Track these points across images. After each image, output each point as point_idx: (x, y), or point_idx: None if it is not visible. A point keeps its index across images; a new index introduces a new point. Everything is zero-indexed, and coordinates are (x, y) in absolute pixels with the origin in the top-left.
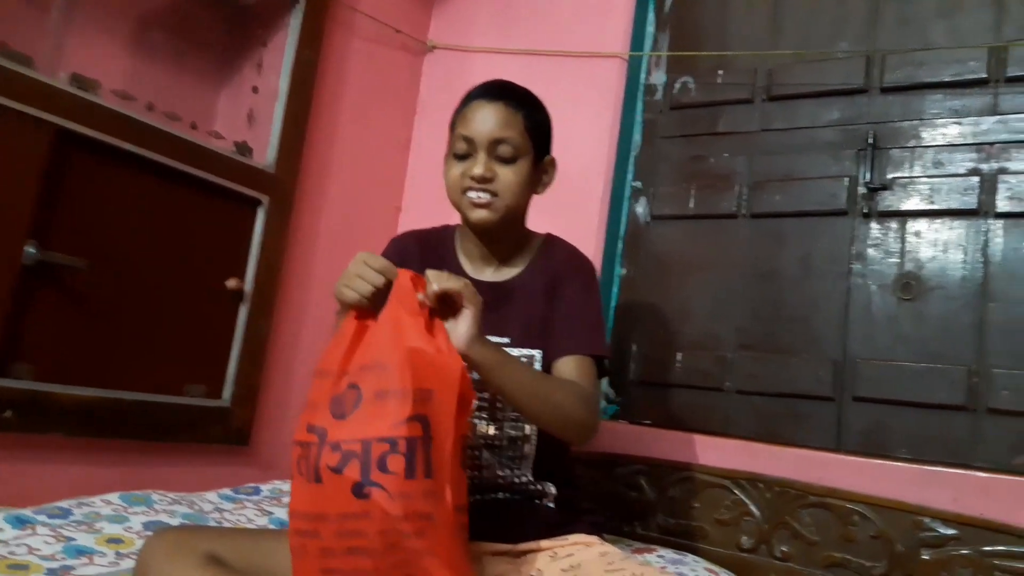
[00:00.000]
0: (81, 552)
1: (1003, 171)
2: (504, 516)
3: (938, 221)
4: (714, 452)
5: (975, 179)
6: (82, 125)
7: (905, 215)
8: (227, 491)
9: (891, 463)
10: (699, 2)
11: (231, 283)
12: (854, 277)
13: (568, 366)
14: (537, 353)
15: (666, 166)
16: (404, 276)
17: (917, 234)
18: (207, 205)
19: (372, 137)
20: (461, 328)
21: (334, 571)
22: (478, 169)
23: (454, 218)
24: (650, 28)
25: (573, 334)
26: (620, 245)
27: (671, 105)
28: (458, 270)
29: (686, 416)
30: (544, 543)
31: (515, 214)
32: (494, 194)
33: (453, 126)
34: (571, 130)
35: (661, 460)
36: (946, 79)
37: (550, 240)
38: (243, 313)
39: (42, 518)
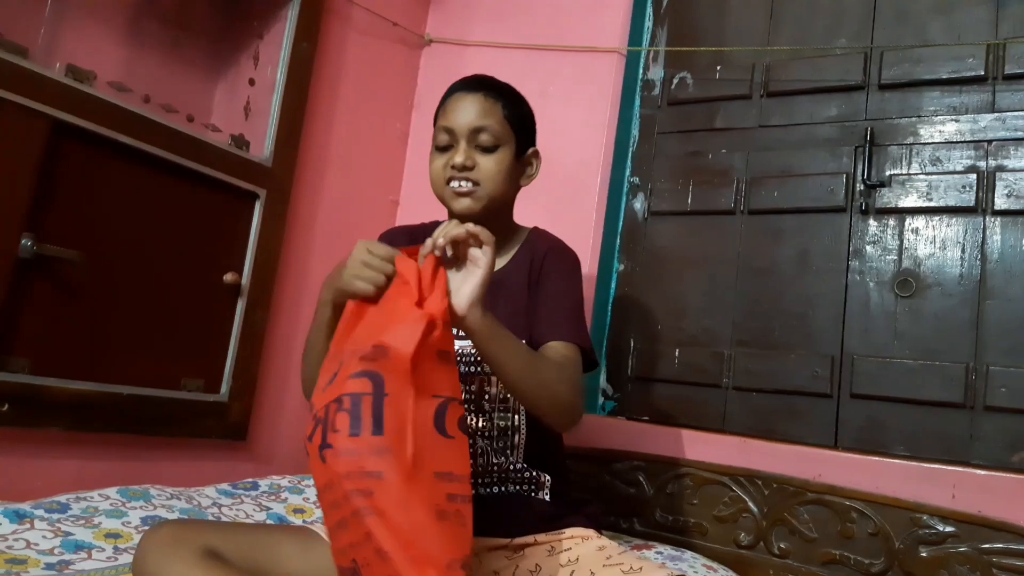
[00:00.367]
0: (79, 547)
1: (1001, 168)
2: (500, 510)
3: (936, 218)
4: (712, 448)
5: (973, 176)
6: (78, 117)
7: (903, 212)
8: (225, 486)
9: (889, 460)
10: None
11: (228, 277)
12: (852, 274)
13: (554, 350)
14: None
15: (664, 162)
16: (401, 263)
17: (915, 231)
18: (204, 198)
19: (369, 130)
20: (465, 289)
21: (340, 549)
22: (459, 158)
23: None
24: (648, 23)
25: (557, 320)
26: (618, 241)
27: (669, 100)
28: None
29: (684, 412)
30: (540, 537)
31: (499, 204)
32: (476, 183)
33: (435, 120)
34: (568, 125)
35: (659, 456)
36: (944, 76)
37: (536, 233)
38: (240, 307)
39: (40, 512)
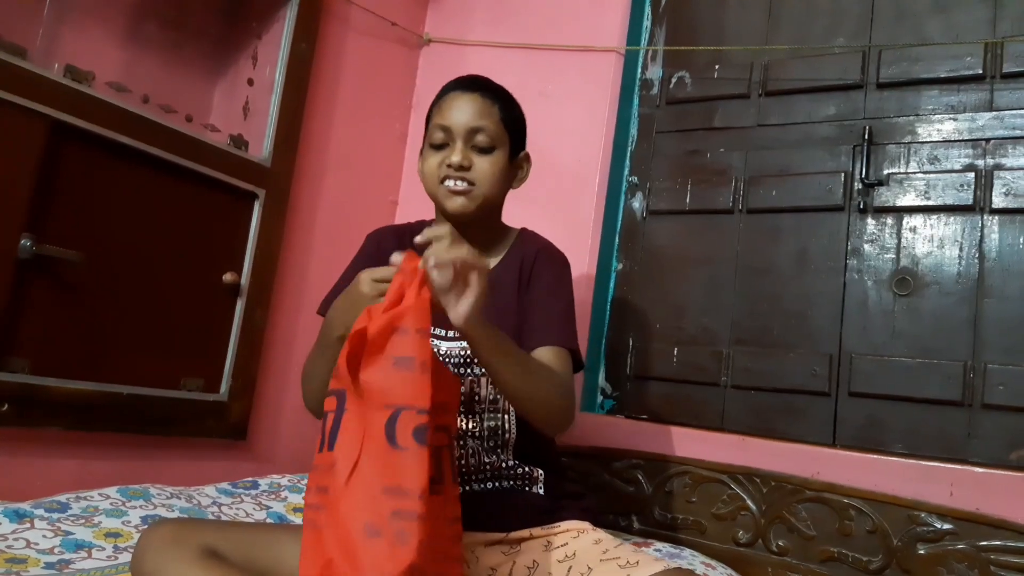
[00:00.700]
0: (79, 546)
1: (999, 167)
2: (495, 505)
3: (934, 217)
4: (710, 447)
5: (971, 175)
6: (77, 117)
7: (901, 211)
8: (225, 485)
9: (887, 458)
10: None
11: (228, 277)
12: (850, 272)
13: (545, 356)
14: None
15: (662, 161)
16: (395, 282)
17: (913, 230)
18: (203, 198)
19: (368, 130)
20: (463, 306)
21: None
22: (456, 157)
23: None
24: (646, 22)
25: (549, 324)
26: (616, 240)
27: (667, 100)
28: None
29: (682, 411)
30: (536, 531)
31: (491, 205)
32: (471, 183)
33: (429, 118)
34: (567, 124)
35: (657, 455)
36: (942, 75)
37: (524, 234)
38: (240, 307)
39: (40, 512)
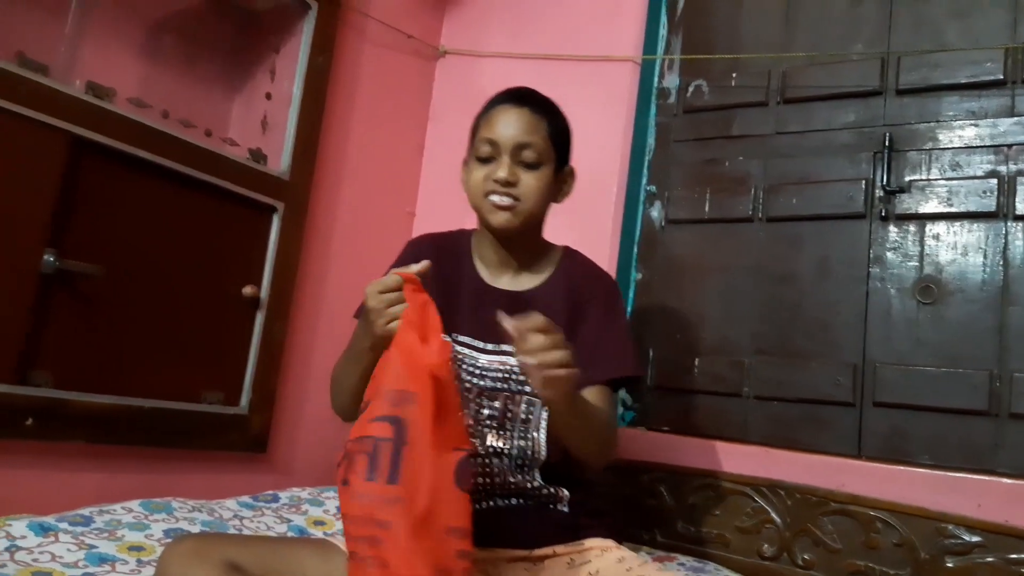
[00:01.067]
0: (103, 559)
1: (1021, 173)
2: (518, 521)
3: (957, 224)
4: (733, 459)
5: (993, 181)
6: (98, 133)
7: (923, 218)
8: (246, 498)
9: (914, 469)
10: (711, 5)
11: (247, 290)
12: (873, 281)
13: (592, 395)
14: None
15: (680, 170)
16: (409, 283)
17: (936, 237)
18: (223, 212)
19: (385, 142)
20: (557, 390)
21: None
22: (502, 172)
23: (467, 223)
24: (662, 31)
25: (597, 362)
26: (635, 249)
27: (684, 108)
28: (473, 275)
29: (704, 422)
30: (560, 548)
31: (535, 221)
32: (516, 198)
33: (476, 130)
34: (584, 134)
35: (680, 467)
36: (962, 81)
37: (570, 253)
38: (259, 319)
39: (64, 525)
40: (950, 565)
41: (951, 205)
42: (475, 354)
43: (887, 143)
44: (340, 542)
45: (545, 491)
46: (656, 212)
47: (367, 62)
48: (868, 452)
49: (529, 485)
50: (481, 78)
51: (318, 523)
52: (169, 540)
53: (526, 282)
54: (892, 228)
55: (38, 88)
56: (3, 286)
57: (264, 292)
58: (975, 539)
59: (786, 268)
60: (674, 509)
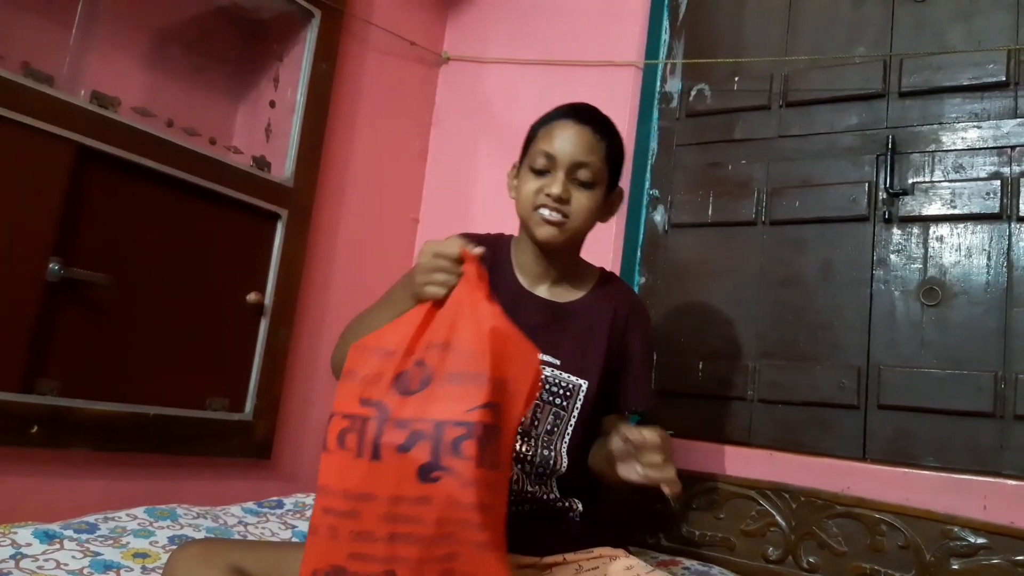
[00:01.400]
0: (108, 566)
1: None
2: (530, 529)
3: (960, 226)
4: (738, 462)
5: (997, 183)
6: (103, 142)
7: (927, 220)
8: (251, 505)
9: (918, 471)
10: (713, 9)
11: (252, 297)
12: (876, 283)
13: (623, 420)
14: (584, 383)
15: (683, 174)
16: (471, 263)
17: (939, 239)
18: (227, 219)
19: (389, 149)
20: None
21: (365, 557)
22: (556, 188)
23: (471, 228)
24: (664, 36)
25: (629, 394)
26: (638, 253)
27: (687, 112)
28: (512, 280)
29: (709, 425)
30: (569, 556)
31: (579, 238)
32: (566, 216)
33: (532, 140)
34: None
35: (684, 470)
36: (965, 82)
37: (608, 275)
38: (264, 326)
39: (69, 533)
40: (956, 567)
41: (954, 207)
42: None
43: (890, 145)
44: None
45: (560, 504)
46: (659, 216)
47: (370, 69)
48: (873, 454)
49: (545, 497)
50: (484, 84)
51: None
52: (174, 547)
53: (564, 294)
54: (895, 230)
55: (44, 98)
56: (9, 294)
57: (268, 299)
58: (980, 541)
59: (789, 271)
60: (678, 513)
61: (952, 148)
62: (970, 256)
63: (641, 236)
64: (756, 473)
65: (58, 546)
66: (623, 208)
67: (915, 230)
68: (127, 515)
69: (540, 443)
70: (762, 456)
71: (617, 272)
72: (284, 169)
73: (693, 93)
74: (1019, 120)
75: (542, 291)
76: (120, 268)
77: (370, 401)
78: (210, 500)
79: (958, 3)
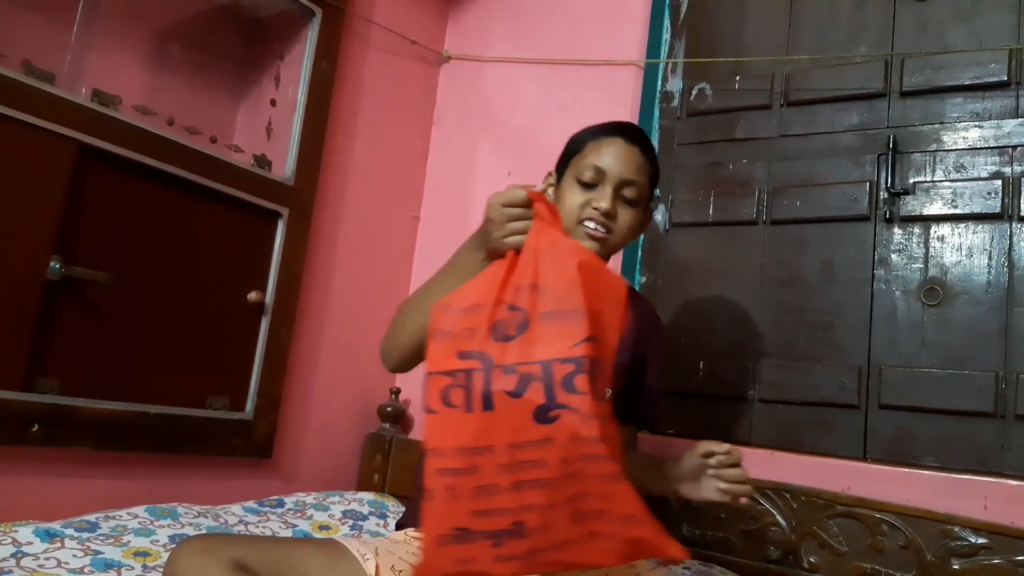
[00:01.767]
0: (109, 565)
1: None
2: None
3: (961, 225)
4: None
5: (998, 183)
6: (104, 140)
7: (928, 220)
8: (251, 503)
9: (919, 471)
10: (715, 8)
11: (252, 295)
12: (877, 283)
13: (629, 432)
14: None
15: (684, 173)
16: (540, 202)
17: (940, 239)
18: (228, 218)
19: (389, 147)
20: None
21: (491, 512)
22: (605, 203)
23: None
24: (665, 35)
25: (644, 406)
26: (639, 253)
27: (688, 112)
28: None
29: (709, 426)
30: None
31: (614, 253)
32: (610, 231)
33: (580, 151)
34: None
35: None
36: (966, 82)
37: (632, 291)
38: (264, 325)
39: (70, 531)
40: (956, 567)
41: (956, 207)
42: None
43: (891, 145)
44: (346, 543)
45: None
46: (660, 215)
47: (371, 68)
48: (874, 454)
49: None
50: (485, 83)
51: (323, 527)
52: (174, 546)
53: None
54: (897, 230)
55: (45, 96)
56: (10, 293)
57: (269, 298)
58: (981, 541)
59: (790, 271)
60: (679, 512)
61: (953, 148)
62: (971, 256)
63: (642, 235)
64: (757, 473)
65: (59, 545)
66: None
67: (916, 230)
68: (128, 514)
69: None
70: (763, 456)
71: (618, 271)
72: (285, 168)
73: (694, 92)
74: (1020, 120)
75: None
76: (121, 267)
77: (470, 353)
78: (211, 499)
79: (959, 3)
